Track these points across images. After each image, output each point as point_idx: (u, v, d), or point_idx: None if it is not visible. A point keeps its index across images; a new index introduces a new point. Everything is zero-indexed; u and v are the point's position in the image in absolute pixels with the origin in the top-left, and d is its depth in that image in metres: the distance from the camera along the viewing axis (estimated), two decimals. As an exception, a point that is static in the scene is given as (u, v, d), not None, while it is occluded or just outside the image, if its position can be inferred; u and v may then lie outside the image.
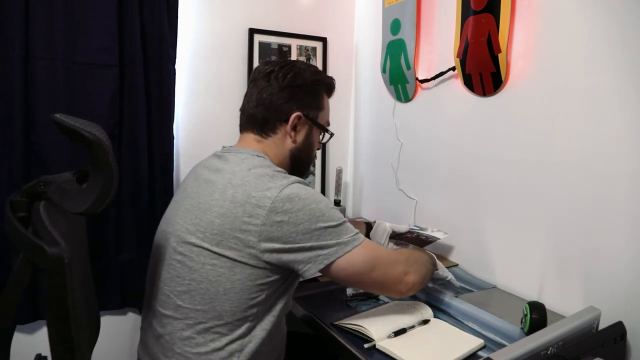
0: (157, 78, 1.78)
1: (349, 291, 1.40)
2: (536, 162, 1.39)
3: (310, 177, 2.25)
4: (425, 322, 1.23)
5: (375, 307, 1.32)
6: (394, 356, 1.08)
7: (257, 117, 1.19)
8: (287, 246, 1.02)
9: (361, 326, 1.16)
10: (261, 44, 2.09)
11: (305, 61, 1.19)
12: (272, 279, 1.06)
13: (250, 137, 1.20)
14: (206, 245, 1.04)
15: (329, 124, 1.31)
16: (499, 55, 1.44)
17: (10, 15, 1.53)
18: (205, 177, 1.14)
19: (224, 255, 1.03)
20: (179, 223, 1.12)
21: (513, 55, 1.44)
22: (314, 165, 2.27)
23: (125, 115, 1.76)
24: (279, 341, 1.18)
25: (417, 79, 1.83)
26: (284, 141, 1.20)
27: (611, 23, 1.19)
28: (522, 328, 1.21)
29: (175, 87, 1.83)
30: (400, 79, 1.92)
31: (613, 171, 1.19)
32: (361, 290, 1.41)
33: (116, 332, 1.79)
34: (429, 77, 1.76)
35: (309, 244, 1.03)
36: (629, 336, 1.12)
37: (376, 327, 1.15)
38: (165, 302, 1.10)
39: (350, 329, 1.18)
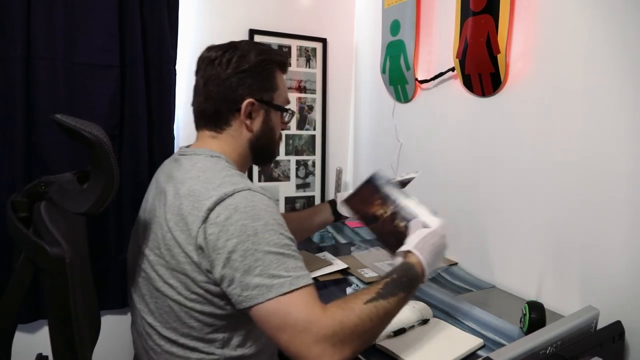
0: (158, 79, 1.79)
1: (349, 290, 1.41)
2: (535, 162, 1.40)
3: (310, 177, 2.26)
4: (425, 321, 1.23)
5: (375, 306, 1.31)
6: (393, 356, 1.08)
7: (207, 112, 1.10)
8: (215, 269, 0.91)
9: (361, 326, 1.16)
10: (261, 44, 2.10)
11: (252, 41, 1.13)
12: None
13: (206, 134, 1.12)
14: (162, 262, 0.98)
15: (288, 102, 1.20)
16: (498, 55, 1.44)
17: (12, 15, 1.53)
18: (161, 186, 1.06)
19: (178, 271, 0.96)
20: (140, 238, 1.06)
21: (512, 55, 1.45)
22: (313, 166, 2.27)
23: (126, 115, 1.76)
24: (267, 343, 1.10)
25: (416, 79, 1.84)
26: (241, 132, 1.11)
27: (611, 23, 1.19)
28: (521, 327, 1.22)
29: (175, 88, 1.84)
30: (399, 79, 1.93)
31: (612, 171, 1.19)
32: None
33: (116, 332, 1.78)
34: (429, 78, 1.77)
35: (230, 274, 0.89)
36: (627, 335, 1.13)
37: (376, 326, 1.15)
38: (141, 319, 1.06)
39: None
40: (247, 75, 1.08)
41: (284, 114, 1.18)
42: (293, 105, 2.20)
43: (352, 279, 1.53)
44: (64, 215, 0.92)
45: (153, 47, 1.77)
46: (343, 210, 1.45)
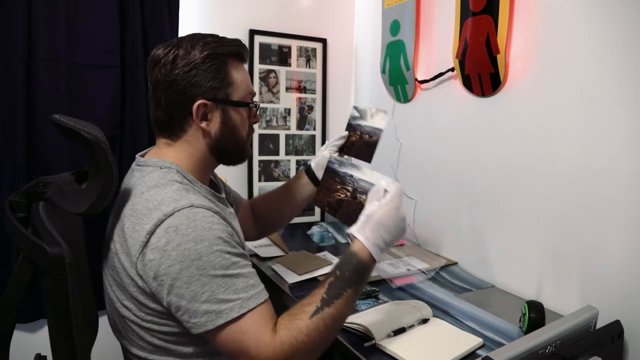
0: (158, 79, 1.80)
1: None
2: (535, 162, 1.39)
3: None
4: (425, 321, 1.23)
5: (375, 306, 1.32)
6: (394, 355, 1.08)
7: (161, 120, 1.01)
8: (160, 296, 0.87)
9: (361, 325, 1.16)
10: (261, 45, 2.10)
11: (198, 35, 1.01)
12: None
13: (161, 142, 1.04)
14: (115, 283, 0.93)
15: (252, 94, 1.07)
16: (498, 56, 1.44)
17: (13, 17, 1.54)
18: (119, 202, 0.99)
19: (129, 293, 0.91)
20: (104, 254, 1.00)
21: (512, 56, 1.45)
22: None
23: (127, 116, 1.77)
24: None
25: (416, 79, 1.84)
26: (198, 137, 1.01)
27: (610, 23, 1.19)
28: (520, 327, 1.22)
29: (175, 88, 1.84)
30: (399, 79, 1.93)
31: (612, 171, 1.19)
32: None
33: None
34: (428, 78, 1.77)
35: (176, 301, 0.85)
36: (626, 335, 1.12)
37: (376, 326, 1.15)
38: (120, 337, 1.02)
39: (350, 327, 1.18)
40: (194, 75, 0.97)
41: (251, 108, 1.07)
42: (293, 105, 2.20)
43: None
44: (62, 216, 0.92)
45: (153, 48, 1.76)
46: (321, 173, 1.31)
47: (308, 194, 1.37)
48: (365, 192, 1.10)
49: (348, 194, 1.17)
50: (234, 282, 0.87)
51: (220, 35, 1.04)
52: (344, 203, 1.17)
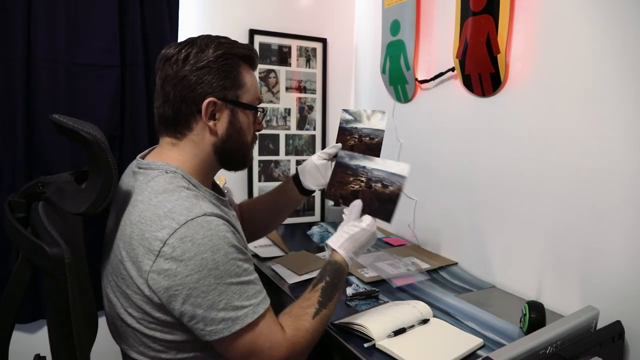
0: (158, 79, 1.80)
1: (349, 291, 1.41)
2: (535, 162, 1.39)
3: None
4: (425, 321, 1.23)
5: (375, 306, 1.32)
6: (394, 355, 1.08)
7: (167, 117, 1.00)
8: (173, 305, 0.86)
9: (361, 325, 1.16)
10: (261, 44, 2.10)
11: (213, 35, 1.03)
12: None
13: (165, 141, 1.03)
14: (120, 290, 0.92)
15: (259, 100, 1.09)
16: (498, 56, 1.44)
17: (13, 17, 1.54)
18: (118, 204, 0.98)
19: (133, 301, 0.90)
20: (105, 258, 1.00)
21: (512, 56, 1.44)
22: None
23: (127, 116, 1.77)
24: None
25: (416, 79, 1.84)
26: (204, 136, 1.01)
27: (611, 23, 1.19)
28: (521, 327, 1.22)
29: (175, 88, 1.84)
30: (399, 79, 1.93)
31: (612, 171, 1.19)
32: (361, 290, 1.41)
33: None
34: (429, 78, 1.77)
35: (191, 311, 0.86)
36: (627, 335, 1.12)
37: (376, 326, 1.15)
38: (120, 341, 1.02)
39: (350, 328, 1.18)
40: (206, 72, 0.97)
41: (257, 113, 1.08)
42: (293, 105, 2.20)
43: (352, 279, 1.53)
44: (61, 216, 0.92)
45: (153, 48, 1.77)
46: (308, 182, 1.33)
47: (293, 199, 1.40)
48: (380, 181, 1.20)
49: (362, 184, 1.23)
50: (246, 288, 0.90)
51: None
52: (359, 193, 1.23)
